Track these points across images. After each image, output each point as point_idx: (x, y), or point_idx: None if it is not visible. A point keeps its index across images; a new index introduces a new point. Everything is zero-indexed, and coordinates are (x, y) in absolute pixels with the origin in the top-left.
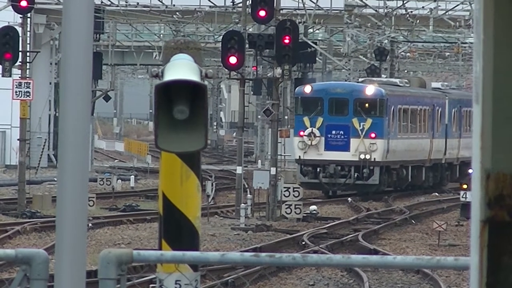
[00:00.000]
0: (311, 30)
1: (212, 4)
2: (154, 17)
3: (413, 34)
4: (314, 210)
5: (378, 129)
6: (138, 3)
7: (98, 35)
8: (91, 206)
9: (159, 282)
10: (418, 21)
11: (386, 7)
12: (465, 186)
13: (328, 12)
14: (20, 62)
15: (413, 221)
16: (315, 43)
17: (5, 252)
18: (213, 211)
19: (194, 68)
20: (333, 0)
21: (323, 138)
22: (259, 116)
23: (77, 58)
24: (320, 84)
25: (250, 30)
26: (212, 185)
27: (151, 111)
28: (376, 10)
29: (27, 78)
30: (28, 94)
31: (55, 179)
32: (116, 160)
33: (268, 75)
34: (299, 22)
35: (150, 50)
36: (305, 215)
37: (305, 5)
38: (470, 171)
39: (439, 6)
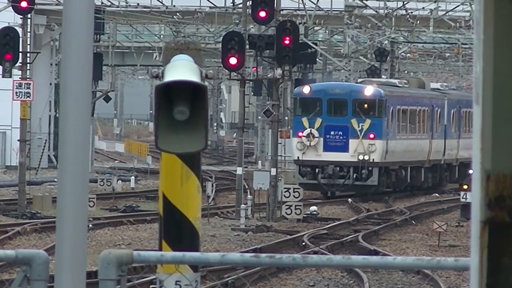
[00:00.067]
0: (311, 31)
1: (212, 5)
2: (154, 18)
3: (413, 34)
4: (314, 210)
5: (377, 129)
6: (138, 4)
7: (98, 36)
8: (91, 206)
9: (159, 282)
10: (418, 22)
11: (387, 7)
12: (465, 187)
13: (328, 13)
14: (20, 62)
15: (413, 222)
16: (316, 44)
17: (5, 253)
18: (213, 211)
19: (194, 69)
20: (333, 1)
21: (321, 139)
22: (259, 117)
23: (78, 58)
24: (319, 85)
25: (251, 31)
26: (212, 186)
27: (151, 112)
28: (376, 11)
29: (28, 79)
30: (28, 94)
31: (56, 180)
32: (117, 161)
33: (269, 75)
34: (300, 23)
35: (150, 51)
36: (305, 215)
37: (306, 6)
38: (470, 171)
39: (440, 7)
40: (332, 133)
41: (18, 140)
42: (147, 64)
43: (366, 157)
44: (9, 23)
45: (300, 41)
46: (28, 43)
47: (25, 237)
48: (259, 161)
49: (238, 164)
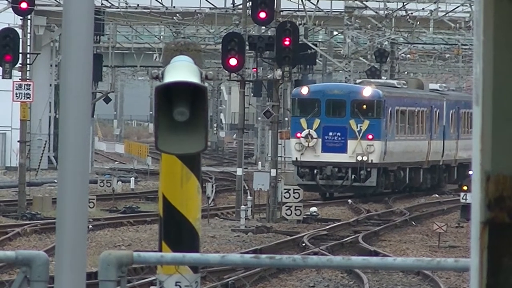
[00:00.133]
0: (311, 32)
1: (212, 6)
2: (154, 18)
3: (413, 35)
4: (314, 211)
5: (376, 130)
6: (138, 5)
7: (98, 37)
8: (91, 207)
9: (159, 283)
10: (418, 23)
11: (386, 8)
12: (465, 188)
13: (328, 14)
14: (20, 64)
15: (413, 223)
16: (315, 45)
17: (5, 254)
18: (213, 212)
19: (194, 70)
20: (333, 2)
21: (320, 140)
22: (259, 118)
23: (78, 59)
24: (317, 86)
25: (251, 31)
26: (212, 186)
27: (151, 113)
28: (376, 12)
29: (27, 80)
30: (28, 96)
31: (55, 181)
32: (116, 162)
33: (268, 76)
34: (299, 24)
35: (150, 52)
36: (305, 216)
37: (305, 7)
38: (470, 172)
39: (439, 7)
40: (330, 134)
41: (18, 141)
42: (147, 65)
43: (365, 158)
44: (9, 24)
45: (300, 42)
46: (28, 44)
47: (25, 238)
48: (259, 162)
49: (238, 165)
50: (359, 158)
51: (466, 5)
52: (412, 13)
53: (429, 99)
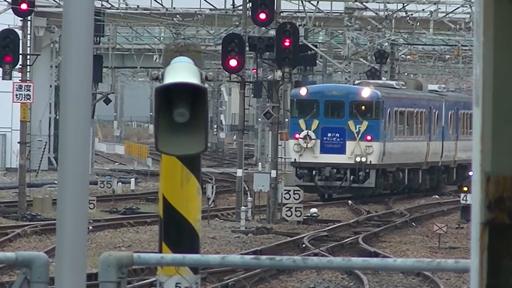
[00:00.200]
0: (311, 33)
1: (212, 7)
2: (154, 20)
3: (413, 36)
4: (314, 212)
5: (374, 131)
6: (138, 6)
7: (98, 38)
8: (91, 209)
9: (160, 285)
10: (418, 24)
11: (386, 9)
12: (465, 189)
13: (328, 15)
14: (20, 65)
15: (414, 224)
16: (315, 46)
17: (6, 255)
18: (213, 213)
19: (194, 71)
20: (333, 3)
21: (318, 141)
22: (259, 119)
23: (78, 61)
24: (316, 86)
25: (251, 33)
26: (212, 188)
27: (151, 114)
28: (376, 13)
29: (28, 81)
30: (28, 97)
31: (56, 182)
32: (117, 163)
33: (269, 77)
34: (300, 25)
35: (150, 53)
36: (305, 217)
37: (306, 8)
38: (470, 173)
39: (440, 8)
40: (329, 135)
41: (18, 142)
42: (147, 66)
43: (363, 159)
44: (9, 25)
45: (300, 43)
46: (28, 45)
47: (25, 239)
48: (259, 163)
49: (238, 166)
50: (358, 159)
51: (466, 6)
52: (412, 14)
53: (428, 100)
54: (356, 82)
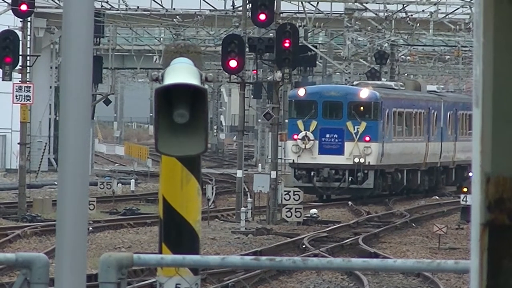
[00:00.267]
0: (311, 34)
1: (212, 8)
2: (154, 21)
3: (413, 37)
4: (314, 213)
5: (373, 132)
6: (138, 7)
7: (98, 39)
8: (91, 209)
9: (160, 285)
10: (418, 25)
11: (386, 10)
12: (465, 190)
13: (328, 16)
14: (20, 66)
15: (414, 225)
16: (315, 47)
17: (6, 256)
18: (213, 214)
19: (194, 72)
20: (333, 4)
21: (317, 142)
22: (259, 120)
23: (78, 62)
24: (314, 87)
25: (250, 33)
26: (212, 188)
27: (151, 114)
28: (376, 14)
29: (28, 82)
30: (28, 98)
31: (56, 183)
32: (117, 164)
33: (268, 78)
34: (299, 26)
35: (150, 54)
36: (305, 218)
37: (305, 9)
38: (470, 174)
39: (439, 9)
40: (327, 135)
41: (18, 143)
42: (147, 67)
43: (362, 160)
44: (9, 26)
45: (300, 44)
46: (28, 46)
47: (25, 240)
48: (259, 164)
49: (238, 167)
50: (356, 160)
51: (466, 7)
52: (412, 15)
53: (427, 100)
54: (355, 83)
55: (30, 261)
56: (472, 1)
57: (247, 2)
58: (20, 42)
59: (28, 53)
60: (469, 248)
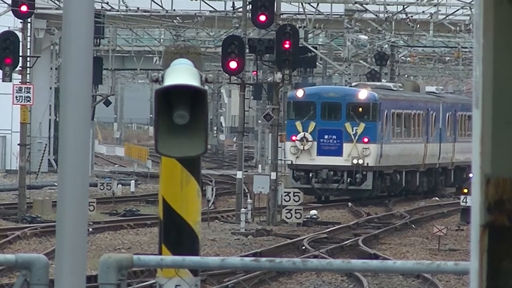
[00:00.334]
0: (311, 35)
1: (212, 9)
2: (154, 22)
3: (413, 38)
4: (314, 214)
5: (371, 133)
6: (138, 8)
7: (98, 40)
8: (91, 211)
9: (159, 287)
10: (418, 26)
11: (386, 11)
12: (465, 191)
13: (328, 17)
14: (20, 67)
15: (413, 226)
16: (315, 48)
17: (5, 257)
18: (213, 215)
19: (194, 73)
20: (333, 5)
21: (315, 143)
22: (259, 121)
23: (78, 63)
24: (313, 88)
25: (250, 35)
26: (212, 190)
27: (151, 116)
28: (376, 15)
29: (28, 83)
30: (28, 99)
31: (56, 184)
32: (117, 165)
33: (268, 79)
34: (299, 27)
35: (150, 55)
36: (305, 219)
37: (305, 10)
38: (470, 175)
39: (439, 10)
40: (326, 137)
41: (18, 144)
42: (147, 68)
43: (360, 161)
44: (9, 27)
45: (300, 45)
46: (28, 47)
47: (25, 241)
48: (259, 165)
49: (238, 168)
50: (355, 161)
51: (466, 8)
52: (412, 16)
53: (426, 101)
54: (353, 84)
55: (30, 262)
56: (472, 2)
57: (247, 3)
58: (20, 43)
59: (28, 54)
60: (469, 249)
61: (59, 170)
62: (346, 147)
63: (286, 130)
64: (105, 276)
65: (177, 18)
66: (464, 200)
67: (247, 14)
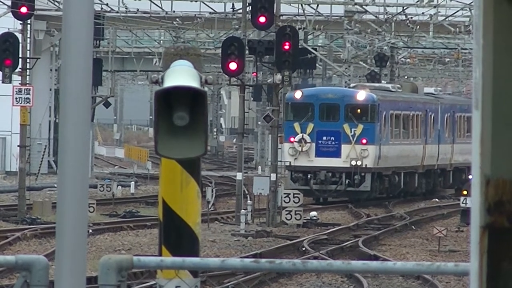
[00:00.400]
0: (311, 36)
1: (212, 10)
2: (154, 23)
3: (413, 40)
4: (314, 216)
5: (370, 135)
6: (138, 9)
7: (98, 42)
8: (91, 212)
9: None
10: (418, 27)
11: (386, 13)
12: (465, 192)
13: (328, 18)
14: (20, 68)
15: (413, 227)
16: (315, 49)
17: (5, 258)
18: (213, 217)
19: (194, 74)
20: (333, 6)
21: (313, 144)
22: (259, 122)
23: (77, 64)
24: (311, 90)
25: (250, 36)
26: (212, 191)
27: (151, 117)
28: (376, 16)
29: (27, 85)
30: (28, 100)
31: (55, 185)
32: (116, 166)
33: (268, 81)
34: (299, 28)
35: (150, 56)
36: (305, 221)
37: (305, 11)
38: (470, 177)
39: (439, 12)
40: (324, 138)
41: (18, 146)
42: (146, 69)
43: (359, 163)
44: (9, 28)
45: (300, 47)
46: (28, 48)
47: (25, 243)
48: (259, 167)
49: (238, 169)
50: (353, 162)
51: (466, 10)
52: (412, 18)
53: (424, 103)
54: (352, 85)
55: (29, 263)
56: (471, 4)
57: (247, 4)
58: (20, 45)
59: (28, 56)
60: (468, 250)
61: (59, 172)
62: (345, 148)
63: (284, 131)
64: (105, 277)
65: (177, 19)
66: (464, 202)
67: (247, 15)
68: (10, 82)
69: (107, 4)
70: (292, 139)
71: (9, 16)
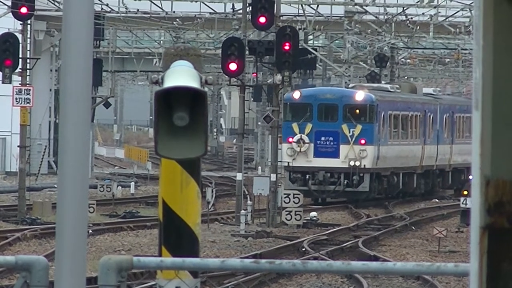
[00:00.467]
0: (311, 37)
1: (212, 11)
2: (154, 23)
3: (413, 40)
4: (314, 216)
5: (368, 135)
6: (138, 10)
7: (98, 42)
8: (91, 212)
9: None
10: (418, 28)
11: (386, 13)
12: (465, 193)
13: (328, 19)
14: (20, 68)
15: (413, 228)
16: (315, 50)
17: (5, 258)
18: (213, 217)
19: (194, 75)
20: (333, 7)
21: (312, 145)
22: (259, 123)
23: (77, 64)
24: (309, 90)
25: (250, 36)
26: (212, 191)
27: (151, 117)
28: (376, 17)
29: (27, 85)
30: (28, 100)
31: (55, 185)
32: (116, 167)
33: (268, 81)
34: (299, 29)
35: (150, 57)
36: (305, 221)
37: (305, 12)
38: (470, 177)
39: (439, 12)
40: (322, 138)
41: (18, 146)
42: (147, 70)
43: (357, 163)
44: (9, 29)
45: (300, 47)
46: (28, 49)
47: (25, 243)
48: (259, 167)
49: (238, 169)
50: (352, 163)
51: (466, 10)
52: (412, 18)
53: (423, 103)
54: (350, 85)
55: (29, 264)
56: (472, 4)
57: (247, 5)
58: (20, 45)
59: (28, 56)
60: (468, 251)
61: (59, 172)
62: (343, 149)
63: (283, 132)
64: (105, 277)
65: (177, 20)
66: (464, 202)
67: (247, 16)
68: (10, 83)
69: (107, 5)
70: (290, 139)
71: (9, 16)
